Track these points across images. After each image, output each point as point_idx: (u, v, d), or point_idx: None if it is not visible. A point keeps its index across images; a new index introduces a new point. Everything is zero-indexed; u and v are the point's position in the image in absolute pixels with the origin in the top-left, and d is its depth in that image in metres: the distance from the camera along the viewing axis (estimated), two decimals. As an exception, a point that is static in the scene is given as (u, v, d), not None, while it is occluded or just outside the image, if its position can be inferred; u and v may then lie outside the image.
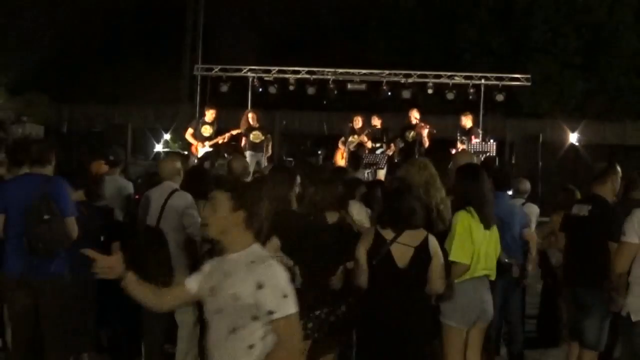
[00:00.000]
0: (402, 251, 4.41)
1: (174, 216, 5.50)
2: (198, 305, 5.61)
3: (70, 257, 4.97)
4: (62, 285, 5.04)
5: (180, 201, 5.52)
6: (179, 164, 5.91)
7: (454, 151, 12.28)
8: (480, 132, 13.28)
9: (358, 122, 12.95)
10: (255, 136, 12.83)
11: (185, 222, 5.49)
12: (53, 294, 4.99)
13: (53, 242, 4.86)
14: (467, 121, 13.03)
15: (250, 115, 13.06)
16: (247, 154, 12.66)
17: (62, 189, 5.02)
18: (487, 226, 4.72)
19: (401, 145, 12.82)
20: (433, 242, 4.46)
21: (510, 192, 6.70)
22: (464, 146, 12.63)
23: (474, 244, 4.61)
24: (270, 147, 12.90)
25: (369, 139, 12.67)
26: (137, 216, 5.77)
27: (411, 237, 4.44)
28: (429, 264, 4.41)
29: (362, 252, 4.51)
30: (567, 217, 5.39)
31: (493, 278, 4.83)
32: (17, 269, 4.92)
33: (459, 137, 12.88)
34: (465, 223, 4.61)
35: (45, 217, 4.82)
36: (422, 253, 4.40)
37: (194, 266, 5.65)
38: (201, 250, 5.47)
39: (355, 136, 12.81)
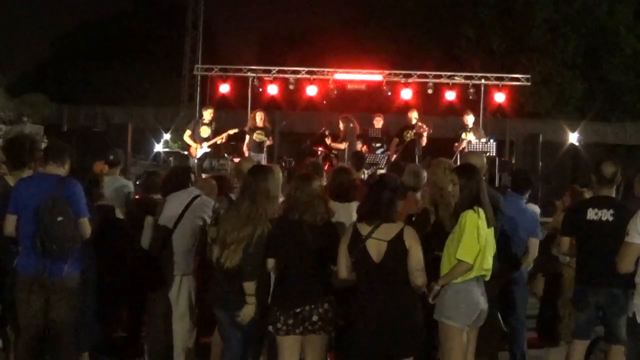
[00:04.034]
0: (376, 246, 4.43)
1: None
2: (192, 312, 5.66)
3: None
4: (74, 285, 5.05)
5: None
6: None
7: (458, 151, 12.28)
8: (482, 131, 13.22)
9: (340, 126, 12.94)
10: (259, 136, 12.81)
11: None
12: (66, 294, 4.99)
13: (66, 242, 4.86)
14: (468, 119, 13.01)
15: (259, 115, 13.01)
16: (248, 154, 12.64)
17: (76, 190, 5.02)
18: (489, 225, 4.74)
19: (394, 148, 12.77)
20: (409, 235, 4.45)
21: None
22: (463, 146, 12.63)
23: (479, 244, 4.62)
24: (265, 149, 12.86)
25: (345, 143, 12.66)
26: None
27: (386, 231, 4.44)
28: (406, 258, 4.41)
29: (342, 247, 4.54)
30: (576, 221, 5.36)
31: (487, 278, 4.84)
32: (31, 269, 4.92)
33: (461, 137, 12.85)
34: (474, 222, 4.62)
35: (59, 218, 4.82)
36: (395, 247, 4.40)
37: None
38: None
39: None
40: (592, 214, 5.24)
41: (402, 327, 4.39)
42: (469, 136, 12.80)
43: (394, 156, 12.49)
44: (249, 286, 4.69)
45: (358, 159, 9.41)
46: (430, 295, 4.65)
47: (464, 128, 12.99)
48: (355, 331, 4.49)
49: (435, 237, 4.95)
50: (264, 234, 4.69)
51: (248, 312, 4.71)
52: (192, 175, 6.17)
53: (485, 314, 4.78)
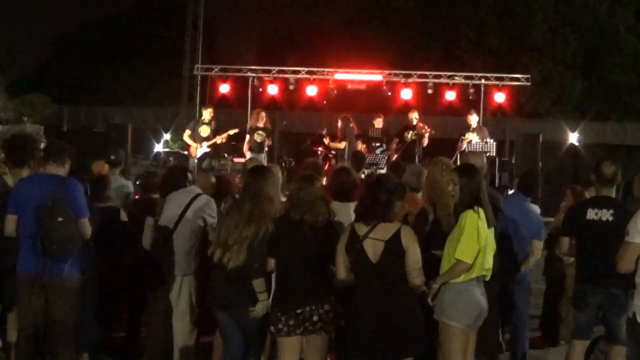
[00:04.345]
0: (373, 246, 4.43)
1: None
2: (193, 312, 5.66)
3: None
4: (74, 285, 5.05)
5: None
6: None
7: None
8: (486, 131, 13.16)
9: (338, 126, 12.95)
10: (259, 136, 12.82)
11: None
12: (66, 294, 5.00)
13: (67, 243, 4.87)
14: (472, 119, 12.97)
15: (262, 114, 13.01)
16: (248, 154, 12.62)
17: (76, 190, 5.02)
18: (489, 225, 4.74)
19: (395, 148, 12.75)
20: (406, 234, 4.45)
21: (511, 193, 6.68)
22: (464, 146, 12.62)
23: (479, 244, 4.63)
24: (265, 149, 12.90)
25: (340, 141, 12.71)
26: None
27: (383, 231, 4.44)
28: (403, 257, 4.41)
29: (340, 248, 4.55)
30: (576, 221, 5.36)
31: (488, 278, 4.84)
32: (31, 269, 4.92)
33: (461, 137, 12.84)
34: (474, 222, 4.63)
35: (60, 219, 4.82)
36: (392, 247, 4.40)
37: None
38: None
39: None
40: (592, 214, 5.25)
41: (401, 327, 4.39)
42: (472, 136, 12.77)
43: (394, 156, 12.48)
44: (259, 283, 4.70)
45: (358, 159, 9.42)
46: (430, 295, 4.64)
47: (468, 128, 12.96)
48: (354, 331, 4.49)
49: (433, 236, 4.95)
50: (267, 232, 4.70)
51: (261, 309, 4.73)
52: (190, 175, 6.16)
53: (486, 313, 4.78)
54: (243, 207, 4.80)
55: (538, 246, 6.13)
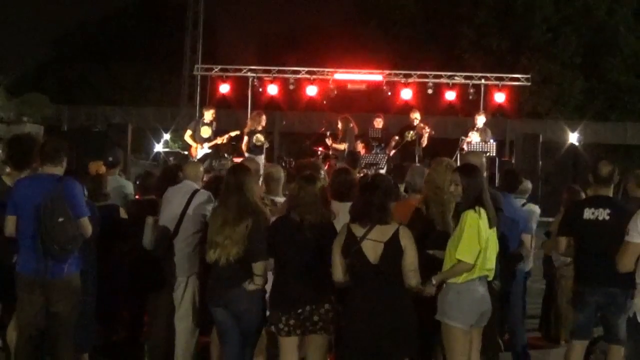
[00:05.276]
0: (372, 247, 4.41)
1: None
2: (195, 312, 5.66)
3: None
4: (75, 285, 5.05)
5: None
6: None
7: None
8: (489, 132, 13.13)
9: (339, 126, 12.96)
10: (258, 139, 12.81)
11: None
12: (66, 293, 4.99)
13: (67, 243, 4.85)
14: (479, 120, 12.94)
15: (263, 117, 12.99)
16: (247, 155, 12.62)
17: (75, 189, 5.00)
18: (491, 226, 4.74)
19: (393, 144, 12.74)
20: (405, 235, 4.44)
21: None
22: (464, 146, 12.61)
23: (480, 244, 4.62)
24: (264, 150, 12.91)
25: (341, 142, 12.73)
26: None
27: (381, 233, 4.42)
28: (401, 258, 4.39)
29: (336, 249, 4.51)
30: (573, 220, 5.36)
31: (490, 278, 4.84)
32: (31, 269, 4.91)
33: (462, 137, 12.82)
34: (474, 222, 4.62)
35: (60, 219, 4.81)
36: (392, 248, 4.39)
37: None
38: None
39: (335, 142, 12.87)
40: (588, 214, 5.24)
41: (398, 328, 4.38)
42: (473, 136, 12.76)
43: (392, 152, 12.47)
44: (259, 266, 4.72)
45: (353, 159, 9.42)
46: (426, 291, 4.62)
47: (472, 127, 12.94)
48: (351, 332, 4.49)
49: (427, 236, 4.94)
50: (265, 220, 4.75)
51: (251, 289, 4.75)
52: (181, 173, 6.14)
53: (489, 313, 4.77)
54: (228, 202, 4.82)
55: (527, 240, 6.14)
